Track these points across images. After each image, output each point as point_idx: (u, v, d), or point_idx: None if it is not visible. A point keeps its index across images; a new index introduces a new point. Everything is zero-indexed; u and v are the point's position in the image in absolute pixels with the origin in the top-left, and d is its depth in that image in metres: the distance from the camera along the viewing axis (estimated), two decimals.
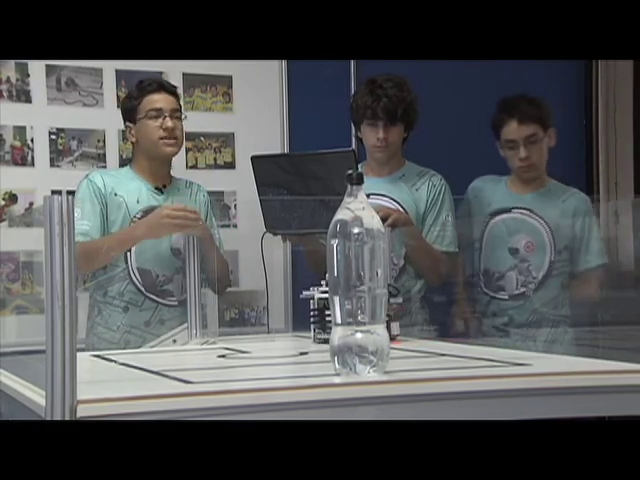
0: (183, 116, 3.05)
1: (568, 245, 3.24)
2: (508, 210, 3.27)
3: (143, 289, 3.00)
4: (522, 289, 3.22)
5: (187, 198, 3.08)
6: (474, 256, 3.27)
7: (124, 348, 2.87)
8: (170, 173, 3.10)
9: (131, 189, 3.02)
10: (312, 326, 2.38)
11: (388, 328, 2.29)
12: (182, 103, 3.16)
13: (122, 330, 2.99)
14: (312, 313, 2.38)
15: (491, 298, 3.25)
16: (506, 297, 3.24)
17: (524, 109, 3.20)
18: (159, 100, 3.00)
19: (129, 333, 2.99)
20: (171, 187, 3.08)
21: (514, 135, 3.19)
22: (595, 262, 3.26)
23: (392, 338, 2.22)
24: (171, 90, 3.05)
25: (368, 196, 3.00)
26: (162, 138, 2.97)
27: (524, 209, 3.25)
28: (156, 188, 3.04)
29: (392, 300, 2.29)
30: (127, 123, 3.06)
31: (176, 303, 3.00)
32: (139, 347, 2.87)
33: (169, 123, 2.97)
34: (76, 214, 2.95)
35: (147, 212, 2.97)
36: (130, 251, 2.98)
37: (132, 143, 3.09)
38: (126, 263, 2.99)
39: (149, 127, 2.98)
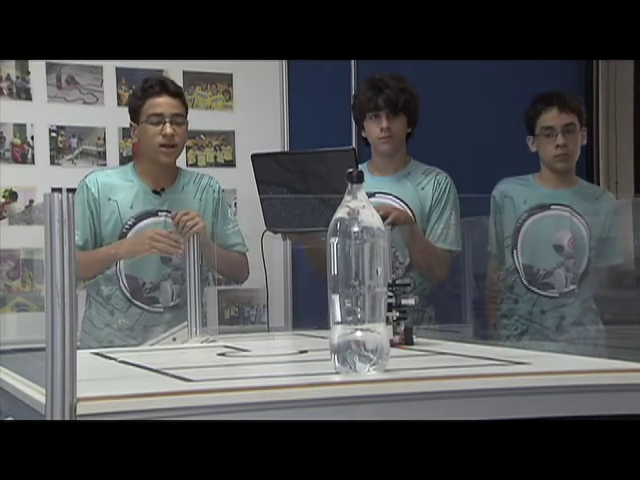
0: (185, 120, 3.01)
1: (597, 242, 3.20)
2: (547, 207, 3.21)
3: (129, 295, 3.01)
4: (571, 286, 3.17)
5: (187, 199, 3.04)
6: (506, 254, 3.20)
7: (109, 347, 2.86)
8: (173, 174, 3.07)
9: (126, 194, 3.00)
10: None
11: (408, 333, 2.25)
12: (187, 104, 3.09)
13: (106, 331, 3.02)
14: None
15: (539, 296, 3.19)
16: (557, 295, 3.18)
17: (565, 99, 3.17)
18: (161, 104, 2.95)
19: (113, 335, 3.01)
20: (173, 187, 3.05)
21: (553, 122, 3.15)
22: (617, 260, 3.21)
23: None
24: (175, 92, 2.99)
25: (374, 195, 3.03)
26: (161, 145, 2.95)
27: (564, 206, 3.20)
28: (154, 191, 3.01)
29: (404, 302, 2.17)
30: (131, 122, 3.04)
31: (162, 310, 3.01)
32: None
33: (168, 130, 2.93)
34: None
35: (140, 217, 2.98)
36: None
37: (134, 143, 3.07)
38: (115, 269, 3.01)
39: (149, 132, 2.96)
